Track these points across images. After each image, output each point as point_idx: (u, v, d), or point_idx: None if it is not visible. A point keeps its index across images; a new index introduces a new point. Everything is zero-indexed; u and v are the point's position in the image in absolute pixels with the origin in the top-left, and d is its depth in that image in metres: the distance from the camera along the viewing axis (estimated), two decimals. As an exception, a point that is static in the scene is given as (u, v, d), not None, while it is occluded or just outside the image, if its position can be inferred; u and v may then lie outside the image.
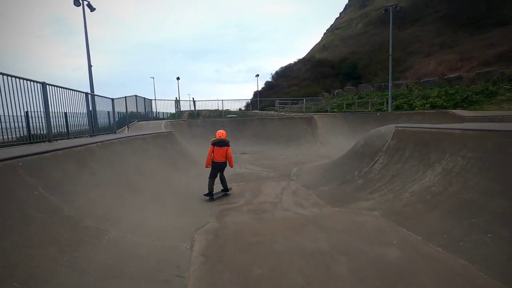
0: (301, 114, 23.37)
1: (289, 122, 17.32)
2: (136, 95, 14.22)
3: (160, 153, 8.48)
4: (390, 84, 23.43)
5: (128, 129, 12.26)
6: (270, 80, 73.43)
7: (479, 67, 32.82)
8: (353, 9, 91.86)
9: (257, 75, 51.53)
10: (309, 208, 5.62)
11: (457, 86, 23.88)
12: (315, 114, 18.27)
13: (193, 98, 26.52)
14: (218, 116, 21.11)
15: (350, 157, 8.41)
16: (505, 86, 20.94)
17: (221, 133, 7.34)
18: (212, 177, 6.86)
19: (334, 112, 26.62)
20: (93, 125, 9.16)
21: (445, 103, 21.64)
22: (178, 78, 50.63)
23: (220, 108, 22.62)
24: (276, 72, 74.85)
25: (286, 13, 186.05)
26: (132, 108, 13.95)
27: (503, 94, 20.03)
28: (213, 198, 6.46)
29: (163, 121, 14.14)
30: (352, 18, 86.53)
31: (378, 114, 18.70)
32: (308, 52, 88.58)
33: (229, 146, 7.30)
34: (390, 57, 23.40)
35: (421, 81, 29.28)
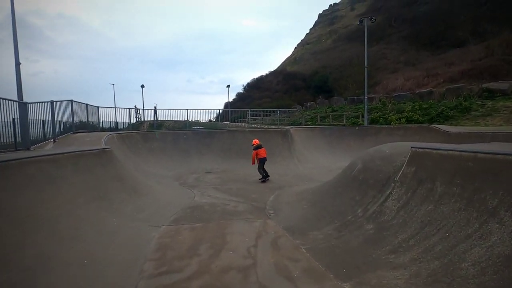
0: (274, 126, 21.56)
1: (262, 136, 15.25)
2: (72, 100, 11.33)
3: (82, 182, 5.86)
4: (365, 97, 22.56)
5: (53, 143, 9.36)
6: (241, 91, 71.89)
7: (445, 83, 33.90)
8: (323, 25, 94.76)
9: (228, 86, 49.67)
10: (302, 282, 3.43)
11: (431, 101, 23.67)
12: (291, 127, 16.46)
13: (154, 107, 23.63)
14: (181, 128, 18.54)
15: (344, 184, 6.44)
16: (476, 102, 20.88)
17: (257, 141, 11.22)
18: (261, 168, 10.56)
19: (309, 125, 25.25)
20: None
21: (420, 118, 21.08)
22: (142, 86, 47.10)
23: (187, 119, 20.09)
24: (248, 84, 73.60)
25: (258, 27, 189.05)
26: (66, 116, 11.03)
27: (476, 110, 19.82)
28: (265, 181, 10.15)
29: (108, 134, 11.38)
30: (321, 34, 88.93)
31: (357, 128, 17.40)
32: (280, 65, 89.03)
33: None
34: (366, 69, 22.64)
35: (393, 95, 29.11)
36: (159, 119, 24.73)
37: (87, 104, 13.04)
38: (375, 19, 21.87)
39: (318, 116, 28.12)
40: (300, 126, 18.49)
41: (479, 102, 20.72)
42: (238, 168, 13.26)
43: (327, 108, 32.53)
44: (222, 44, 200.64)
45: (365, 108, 22.45)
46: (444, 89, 24.83)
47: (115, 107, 15.41)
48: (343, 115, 26.75)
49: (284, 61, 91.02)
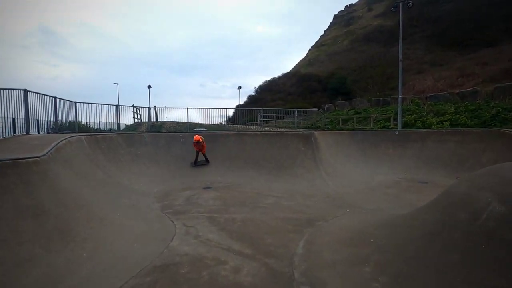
0: (290, 130, 18.28)
1: (278, 140, 12.08)
2: (26, 90, 8.48)
3: None
4: (399, 97, 19.02)
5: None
6: (253, 94, 68.90)
7: (485, 83, 29.85)
8: (338, 27, 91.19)
9: (239, 87, 47.05)
10: None
11: (478, 102, 19.87)
12: (315, 131, 13.17)
13: (154, 106, 20.82)
14: (179, 130, 15.57)
15: (458, 242, 3.13)
16: (540, 102, 17.01)
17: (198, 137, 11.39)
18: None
19: (329, 128, 21.84)
20: None
21: (469, 121, 17.38)
22: (149, 87, 45.17)
23: (190, 120, 17.13)
24: (260, 86, 70.61)
25: (271, 33, 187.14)
26: (17, 113, 8.18)
27: (543, 112, 15.98)
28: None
29: (69, 136, 8.44)
30: (337, 35, 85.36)
31: (397, 132, 13.92)
32: (293, 67, 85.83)
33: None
34: (400, 63, 19.11)
35: (427, 95, 25.38)
36: (159, 120, 22.00)
37: (55, 98, 10.18)
38: (412, 3, 18.39)
39: (340, 119, 24.69)
40: (327, 131, 15.13)
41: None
42: (247, 182, 10.10)
43: (349, 111, 29.02)
44: (235, 50, 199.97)
45: (399, 110, 18.91)
46: (493, 88, 20.94)
47: (96, 103, 12.51)
48: (369, 117, 23.24)
49: (298, 63, 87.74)
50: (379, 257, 3.62)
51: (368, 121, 23.19)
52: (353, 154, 12.59)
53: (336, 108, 33.86)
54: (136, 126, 20.71)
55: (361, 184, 9.58)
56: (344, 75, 53.66)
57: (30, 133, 8.58)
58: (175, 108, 16.26)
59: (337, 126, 23.69)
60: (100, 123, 15.55)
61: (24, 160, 4.39)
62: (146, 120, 20.13)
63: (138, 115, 21.24)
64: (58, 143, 7.08)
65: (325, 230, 5.16)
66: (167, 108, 17.98)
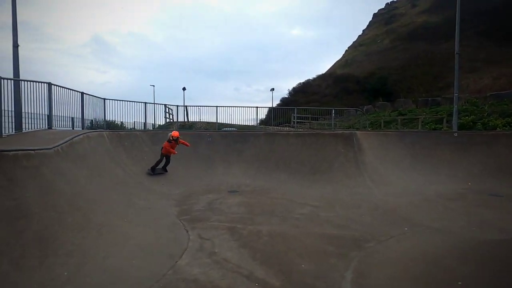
0: (328, 129, 16.76)
1: (313, 141, 10.76)
2: (50, 83, 8.19)
3: None
4: (455, 94, 16.53)
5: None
6: (286, 96, 67.37)
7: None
8: (378, 25, 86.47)
9: (272, 89, 46.02)
10: None
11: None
12: (357, 131, 11.62)
13: (185, 105, 20.49)
14: (209, 129, 14.87)
15: None
16: None
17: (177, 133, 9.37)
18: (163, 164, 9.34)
19: (368, 131, 19.81)
20: None
21: (545, 123, 14.50)
22: (184, 89, 46.00)
23: (221, 120, 16.43)
24: (294, 88, 68.88)
25: (306, 36, 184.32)
26: (37, 107, 7.87)
27: None
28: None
29: (88, 131, 7.98)
30: (377, 34, 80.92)
31: (456, 134, 11.82)
32: (329, 69, 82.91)
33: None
34: (457, 56, 16.64)
35: (488, 94, 22.17)
36: (190, 120, 21.69)
37: (82, 93, 9.93)
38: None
39: (382, 121, 22.49)
40: (371, 131, 13.44)
41: None
42: (277, 187, 8.95)
43: (391, 112, 26.52)
44: (269, 54, 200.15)
45: (454, 110, 16.43)
46: None
47: (124, 100, 12.18)
48: (416, 119, 20.78)
49: (334, 64, 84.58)
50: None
51: (415, 123, 20.75)
52: (402, 158, 10.81)
53: (376, 110, 31.33)
54: (168, 126, 20.56)
55: (415, 194, 7.92)
56: (384, 75, 50.18)
57: (53, 128, 8.27)
58: (204, 106, 15.62)
59: (378, 129, 21.56)
60: (135, 122, 15.44)
61: (12, 153, 3.70)
62: (180, 119, 19.88)
63: (170, 115, 21.12)
64: (73, 138, 6.56)
65: (382, 257, 3.82)
66: (197, 106, 17.42)
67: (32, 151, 4.13)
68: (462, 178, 9.95)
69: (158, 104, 15.54)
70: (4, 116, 7.59)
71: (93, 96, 10.71)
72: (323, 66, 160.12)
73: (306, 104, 55.33)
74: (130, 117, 13.70)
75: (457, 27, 16.49)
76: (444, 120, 18.49)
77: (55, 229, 3.51)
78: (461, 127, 17.13)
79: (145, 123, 13.36)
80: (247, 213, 6.22)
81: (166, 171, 9.42)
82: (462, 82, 37.24)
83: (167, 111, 20.43)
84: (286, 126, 22.86)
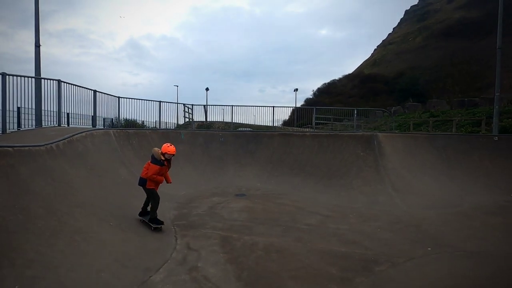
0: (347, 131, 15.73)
1: (331, 143, 9.96)
2: (59, 80, 8.19)
3: None
4: (496, 94, 14.80)
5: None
6: (310, 97, 65.86)
7: None
8: (410, 23, 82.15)
9: (296, 89, 44.75)
10: None
11: None
12: (379, 132, 10.61)
13: (204, 106, 20.37)
14: (225, 129, 14.52)
15: None
16: None
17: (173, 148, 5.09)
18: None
19: (393, 133, 18.39)
20: None
21: None
22: (207, 89, 46.37)
23: (235, 120, 16.06)
24: (318, 89, 67.21)
25: (334, 36, 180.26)
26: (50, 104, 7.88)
27: None
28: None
29: (105, 129, 7.87)
30: (408, 32, 76.87)
31: (496, 138, 10.41)
32: (356, 69, 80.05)
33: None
34: (499, 51, 14.92)
35: (536, 94, 19.78)
36: (209, 119, 21.54)
37: (95, 91, 9.93)
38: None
39: (411, 123, 20.88)
40: (395, 133, 12.32)
41: None
42: (288, 192, 8.31)
43: (422, 113, 24.65)
44: (296, 55, 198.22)
45: (494, 111, 14.70)
46: None
47: (138, 99, 12.15)
48: (450, 121, 19.01)
49: (361, 64, 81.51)
50: None
51: (448, 125, 18.99)
52: (432, 164, 9.66)
53: (406, 111, 29.36)
54: (187, 125, 20.55)
55: (446, 206, 6.90)
56: (415, 75, 47.27)
57: (61, 125, 8.27)
58: (220, 105, 15.31)
59: (407, 132, 20.01)
60: (156, 122, 15.52)
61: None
62: (199, 119, 19.79)
63: (189, 114, 21.09)
64: (73, 135, 6.39)
65: (393, 286, 3.08)
66: (214, 106, 17.19)
67: (10, 149, 3.88)
68: (505, 189, 8.66)
69: (174, 103, 15.44)
70: (24, 113, 7.79)
71: (107, 94, 10.72)
72: (351, 66, 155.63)
73: (330, 105, 53.68)
74: (149, 116, 13.75)
75: (499, 17, 14.81)
76: (483, 123, 16.66)
77: (19, 235, 3.18)
78: (502, 130, 15.29)
79: (159, 122, 13.29)
80: (249, 220, 5.66)
81: (147, 214, 5.14)
82: (504, 81, 33.94)
83: (186, 110, 20.46)
84: (308, 127, 21.99)
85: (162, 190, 7.92)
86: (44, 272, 2.97)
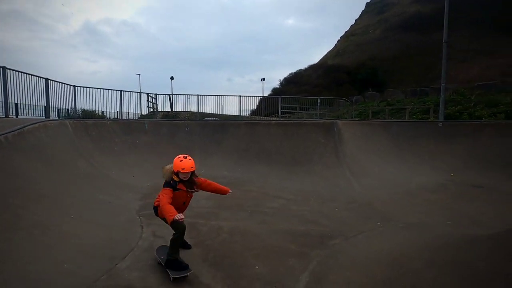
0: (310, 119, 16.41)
1: (295, 131, 10.38)
2: (4, 67, 7.53)
3: None
4: (443, 84, 16.31)
5: None
6: (277, 86, 66.68)
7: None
8: (371, 15, 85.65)
9: (263, 79, 45.00)
10: None
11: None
12: (338, 120, 11.24)
13: (169, 95, 19.87)
14: (192, 119, 14.35)
15: None
16: None
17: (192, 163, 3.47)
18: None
19: (352, 120, 19.54)
20: None
21: (531, 113, 14.42)
22: (172, 78, 44.90)
23: (201, 110, 15.92)
24: (285, 78, 68.21)
25: (301, 26, 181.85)
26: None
27: None
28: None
29: (60, 120, 7.43)
30: (369, 24, 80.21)
31: (440, 124, 11.57)
32: (320, 59, 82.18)
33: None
34: (445, 44, 16.36)
35: (475, 85, 22.07)
36: (175, 109, 21.05)
37: (47, 79, 9.26)
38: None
39: (370, 111, 22.25)
40: (353, 120, 13.10)
41: None
42: (255, 179, 8.58)
43: (380, 102, 26.32)
44: (264, 44, 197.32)
45: (441, 99, 16.23)
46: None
47: (97, 88, 11.55)
48: (404, 109, 20.59)
49: (326, 55, 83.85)
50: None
51: (402, 113, 20.57)
52: (386, 148, 10.52)
53: (366, 100, 31.08)
54: (151, 115, 19.90)
55: (396, 186, 7.64)
56: (375, 66, 49.90)
57: (9, 116, 7.66)
58: (186, 95, 15.07)
59: (366, 119, 21.31)
60: (117, 112, 14.80)
61: None
62: (164, 109, 19.27)
63: (154, 104, 20.40)
64: (24, 127, 6.00)
65: (343, 256, 3.48)
66: (180, 95, 16.88)
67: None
68: (446, 170, 9.73)
69: (137, 92, 14.87)
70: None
71: (61, 82, 10.04)
72: (317, 56, 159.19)
73: (296, 94, 54.88)
74: (110, 106, 13.11)
75: (445, 14, 16.15)
76: (431, 110, 18.33)
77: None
78: (447, 117, 16.96)
79: (121, 112, 12.78)
80: (214, 207, 5.83)
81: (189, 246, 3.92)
82: (452, 73, 37.23)
83: (149, 100, 19.75)
84: (275, 116, 22.43)
85: (126, 181, 7.81)
86: (1, 266, 2.90)
